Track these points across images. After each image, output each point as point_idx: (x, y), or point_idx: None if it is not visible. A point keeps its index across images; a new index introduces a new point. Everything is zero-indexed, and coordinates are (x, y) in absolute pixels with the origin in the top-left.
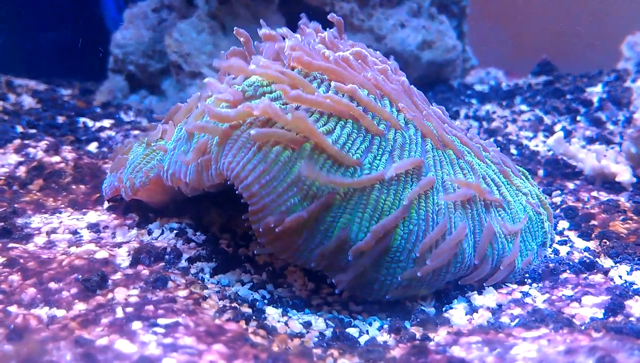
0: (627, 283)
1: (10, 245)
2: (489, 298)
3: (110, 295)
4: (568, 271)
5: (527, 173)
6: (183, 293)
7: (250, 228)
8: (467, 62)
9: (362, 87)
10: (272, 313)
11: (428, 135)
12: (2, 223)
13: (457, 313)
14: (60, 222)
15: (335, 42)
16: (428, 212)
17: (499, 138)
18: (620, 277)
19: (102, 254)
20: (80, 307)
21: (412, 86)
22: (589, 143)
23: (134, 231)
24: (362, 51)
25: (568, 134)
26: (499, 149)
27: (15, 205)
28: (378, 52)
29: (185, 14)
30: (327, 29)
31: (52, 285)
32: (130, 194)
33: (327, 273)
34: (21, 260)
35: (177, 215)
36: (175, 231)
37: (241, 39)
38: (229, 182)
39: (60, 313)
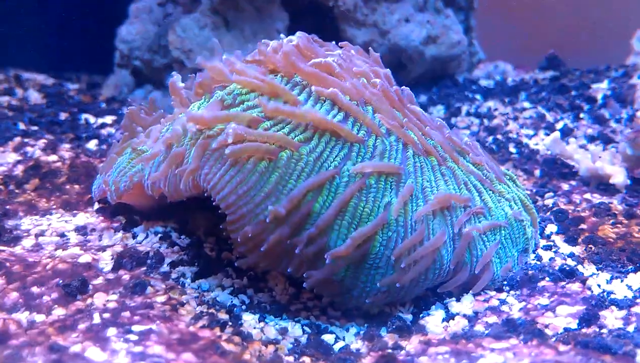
0: (605, 293)
1: None
2: (466, 305)
3: (89, 301)
4: (547, 279)
5: (515, 177)
6: (161, 299)
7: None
8: (474, 56)
9: (344, 93)
10: (249, 320)
11: (409, 143)
12: None
13: (433, 320)
14: (49, 225)
15: (311, 48)
16: (407, 219)
17: (499, 136)
18: (598, 285)
19: (85, 258)
20: (59, 312)
21: (404, 88)
22: (590, 141)
23: (120, 234)
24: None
25: (570, 132)
26: (495, 147)
27: (7, 207)
28: (373, 53)
29: (191, 8)
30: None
31: (35, 289)
32: (115, 198)
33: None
34: (7, 264)
35: (163, 219)
36: (159, 235)
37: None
38: (205, 194)
39: (39, 318)
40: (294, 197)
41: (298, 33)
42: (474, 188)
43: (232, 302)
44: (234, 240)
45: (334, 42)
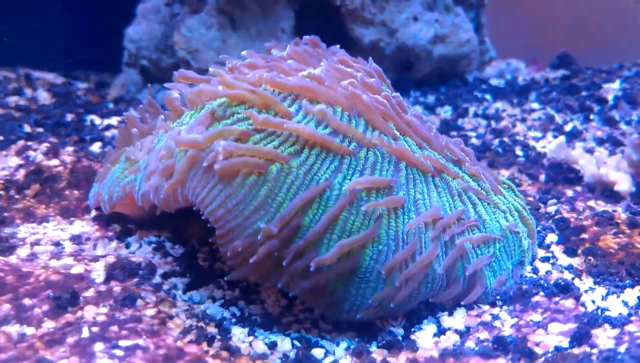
0: (599, 310)
1: None
2: (458, 320)
3: (79, 313)
4: (541, 293)
5: (514, 186)
6: (151, 312)
7: None
8: (485, 54)
9: (336, 104)
10: (238, 333)
11: (402, 157)
12: None
13: (424, 335)
14: (45, 233)
15: (307, 57)
16: (398, 232)
17: (505, 138)
18: (593, 302)
19: (78, 269)
20: (49, 325)
21: (396, 95)
22: (599, 144)
23: (114, 244)
24: (344, 60)
25: (579, 134)
26: (501, 150)
27: (5, 214)
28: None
29: (197, 8)
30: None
31: (27, 301)
32: (109, 208)
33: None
34: (1, 274)
35: (157, 228)
36: (153, 244)
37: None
38: (194, 208)
39: (29, 331)
40: (286, 214)
41: (292, 45)
42: (469, 200)
43: (222, 314)
44: (223, 253)
45: (338, 46)
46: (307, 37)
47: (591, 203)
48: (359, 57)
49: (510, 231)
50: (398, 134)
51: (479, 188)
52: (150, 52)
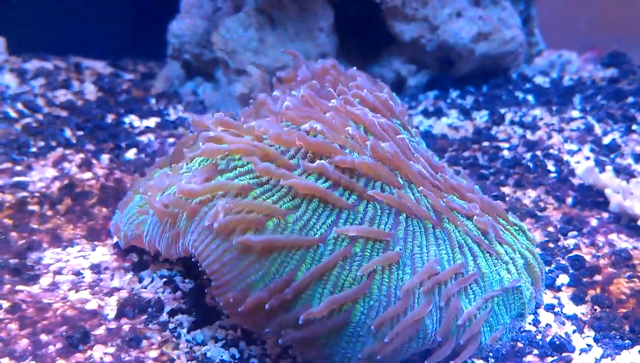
0: None
1: (17, 287)
2: None
3: (89, 353)
4: (535, 352)
5: (525, 227)
6: (154, 354)
7: None
8: (533, 47)
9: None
10: None
11: (403, 210)
12: (17, 260)
13: None
14: (67, 261)
15: (316, 101)
16: (391, 288)
17: (538, 152)
18: None
19: (92, 305)
20: None
21: (402, 136)
22: (637, 161)
23: (129, 276)
24: (357, 95)
25: (617, 148)
26: (532, 166)
27: (34, 237)
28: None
29: (239, 4)
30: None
31: (43, 337)
32: (124, 245)
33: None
34: (23, 306)
35: (171, 261)
36: (164, 279)
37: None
38: (193, 259)
39: None
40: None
41: (289, 100)
42: (469, 251)
43: (221, 356)
44: (218, 303)
45: (354, 68)
46: (328, 61)
47: (613, 236)
48: (378, 81)
49: (511, 283)
50: (402, 182)
51: (482, 238)
52: (192, 47)
